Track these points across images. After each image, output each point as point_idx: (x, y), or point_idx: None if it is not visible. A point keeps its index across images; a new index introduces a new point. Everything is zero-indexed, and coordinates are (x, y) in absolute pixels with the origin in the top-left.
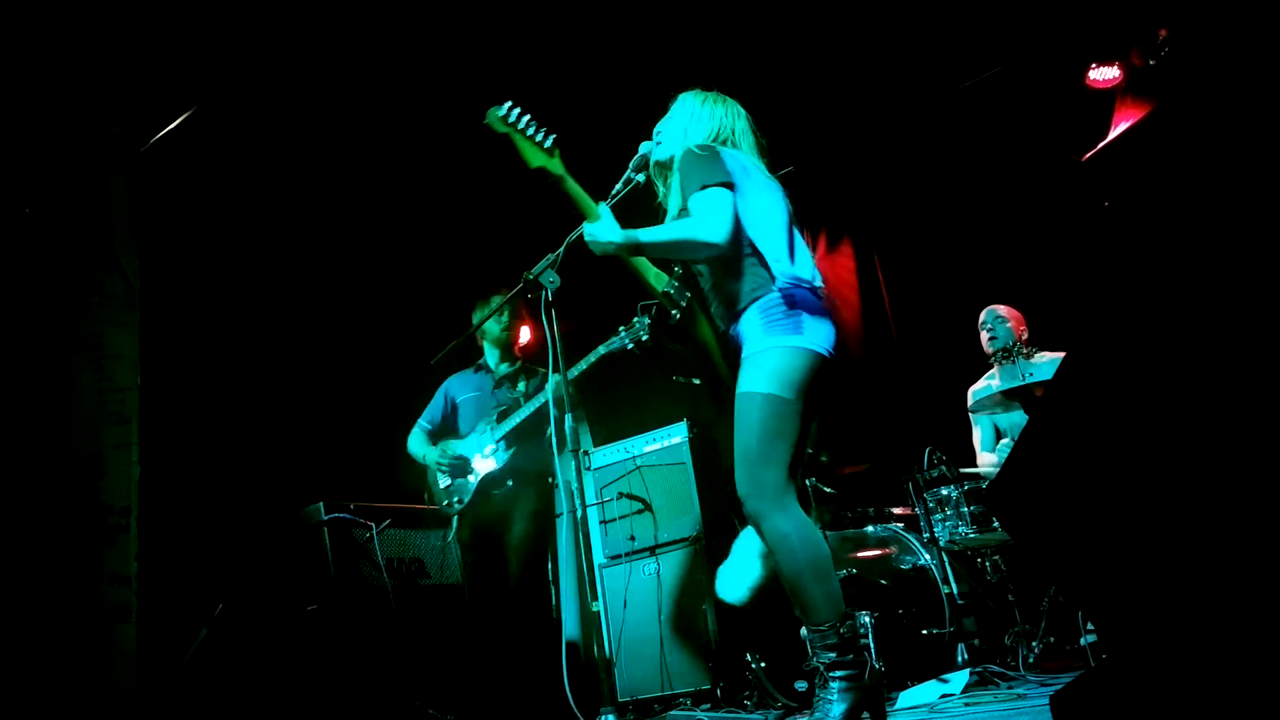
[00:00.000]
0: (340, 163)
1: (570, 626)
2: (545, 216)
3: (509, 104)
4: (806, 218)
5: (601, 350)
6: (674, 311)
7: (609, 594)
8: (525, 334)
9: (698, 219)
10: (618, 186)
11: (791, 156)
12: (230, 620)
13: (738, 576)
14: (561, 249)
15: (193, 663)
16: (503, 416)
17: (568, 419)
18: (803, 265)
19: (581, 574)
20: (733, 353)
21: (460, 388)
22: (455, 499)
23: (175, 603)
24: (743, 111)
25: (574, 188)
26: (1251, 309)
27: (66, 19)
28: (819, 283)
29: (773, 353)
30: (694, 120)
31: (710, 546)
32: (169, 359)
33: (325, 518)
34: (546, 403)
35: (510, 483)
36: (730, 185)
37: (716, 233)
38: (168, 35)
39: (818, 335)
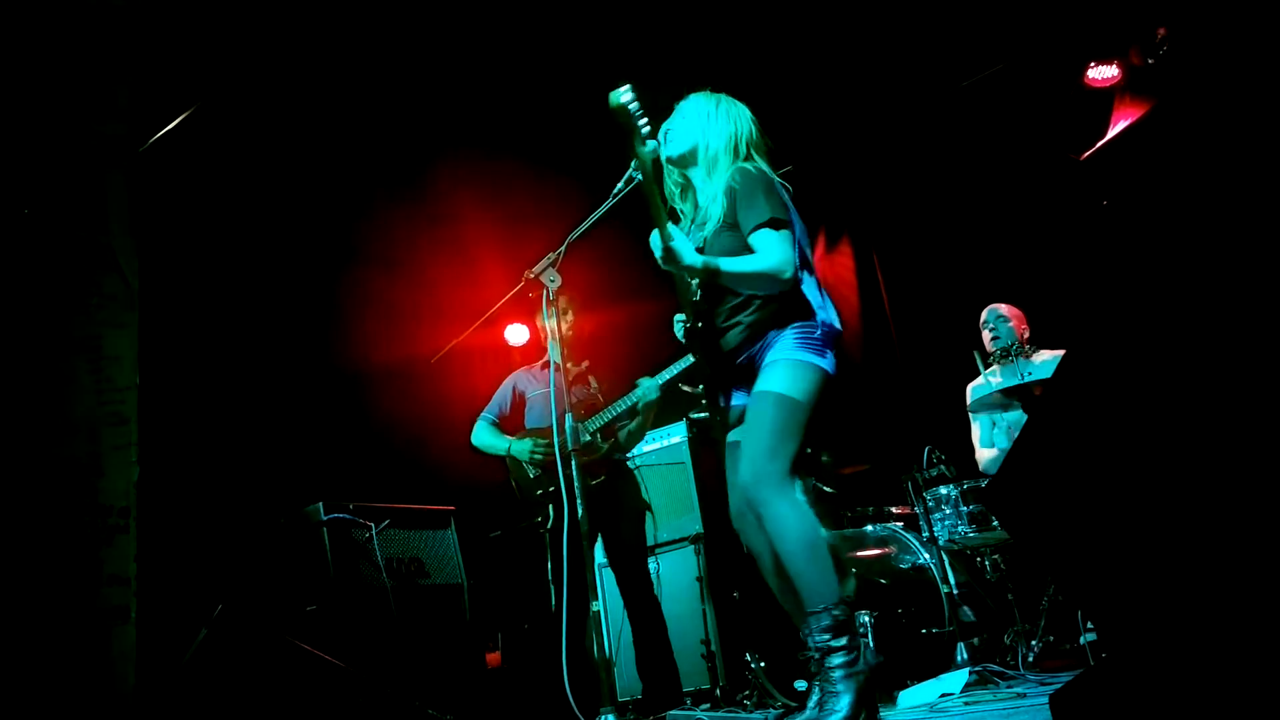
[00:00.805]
0: (340, 161)
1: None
2: (546, 214)
3: (630, 87)
4: (806, 217)
5: (682, 364)
6: (699, 322)
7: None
8: (525, 333)
9: (774, 258)
10: (619, 185)
11: (791, 156)
12: (230, 620)
13: None
14: (562, 248)
15: (193, 663)
16: (589, 413)
17: (568, 419)
18: (832, 310)
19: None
20: (734, 364)
21: (528, 383)
22: (550, 488)
23: (175, 603)
24: (751, 115)
25: (653, 191)
26: (1250, 308)
27: (66, 19)
28: (839, 325)
29: (800, 365)
30: (710, 120)
31: (710, 546)
32: (168, 359)
33: (325, 518)
34: (636, 404)
35: (604, 477)
36: (791, 224)
37: (787, 271)
38: (167, 35)
39: (833, 362)
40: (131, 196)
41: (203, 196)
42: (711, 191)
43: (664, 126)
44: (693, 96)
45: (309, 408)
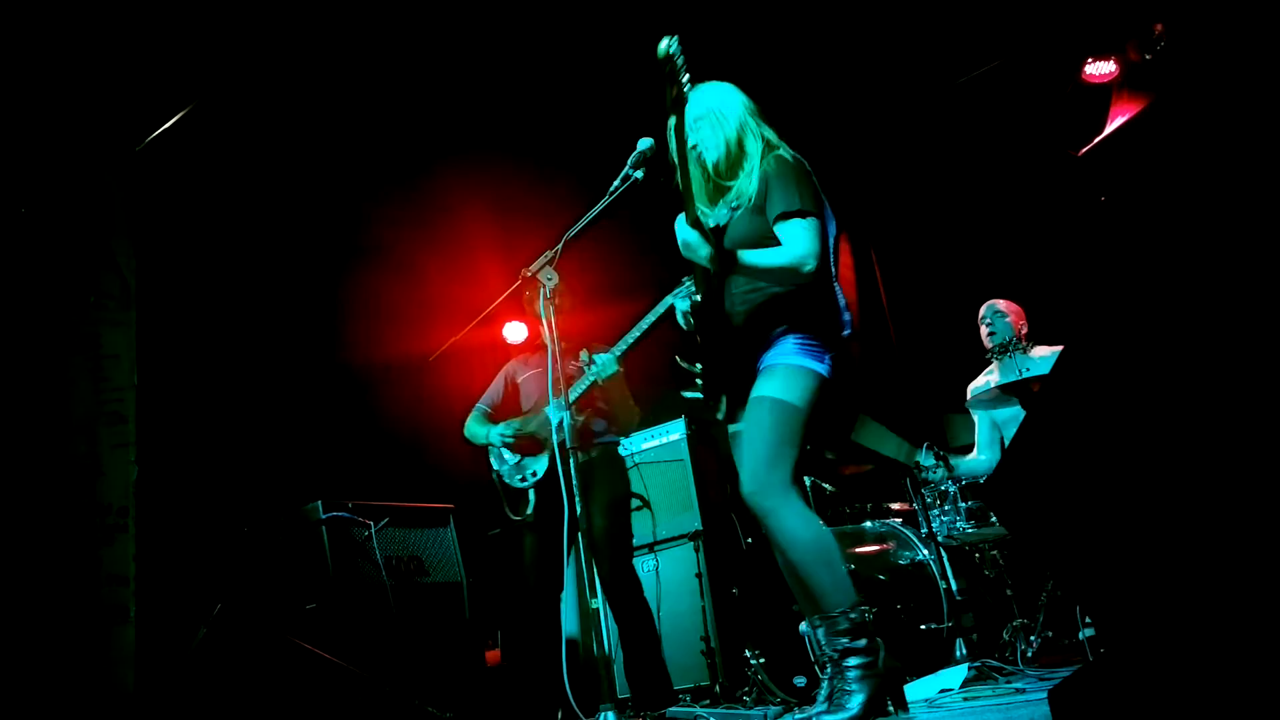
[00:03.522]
0: (338, 160)
1: (570, 624)
2: (545, 212)
3: (676, 38)
4: None
5: (652, 317)
6: (697, 295)
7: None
8: (524, 331)
9: (796, 250)
10: (615, 183)
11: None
12: (229, 620)
13: None
14: (559, 246)
15: (192, 662)
16: (569, 383)
17: (566, 416)
18: (849, 315)
19: (580, 572)
20: (739, 347)
21: (520, 368)
22: (530, 472)
23: (174, 602)
24: (733, 88)
25: (683, 167)
26: (1248, 303)
27: (63, 18)
28: (850, 324)
29: (798, 371)
30: (721, 100)
31: (709, 543)
32: (167, 358)
33: (324, 516)
34: (596, 380)
35: (582, 455)
36: (821, 216)
37: (809, 265)
38: (164, 34)
39: (830, 366)
40: (129, 195)
41: (201, 195)
42: (749, 168)
43: (693, 116)
44: (692, 100)
45: (308, 406)
